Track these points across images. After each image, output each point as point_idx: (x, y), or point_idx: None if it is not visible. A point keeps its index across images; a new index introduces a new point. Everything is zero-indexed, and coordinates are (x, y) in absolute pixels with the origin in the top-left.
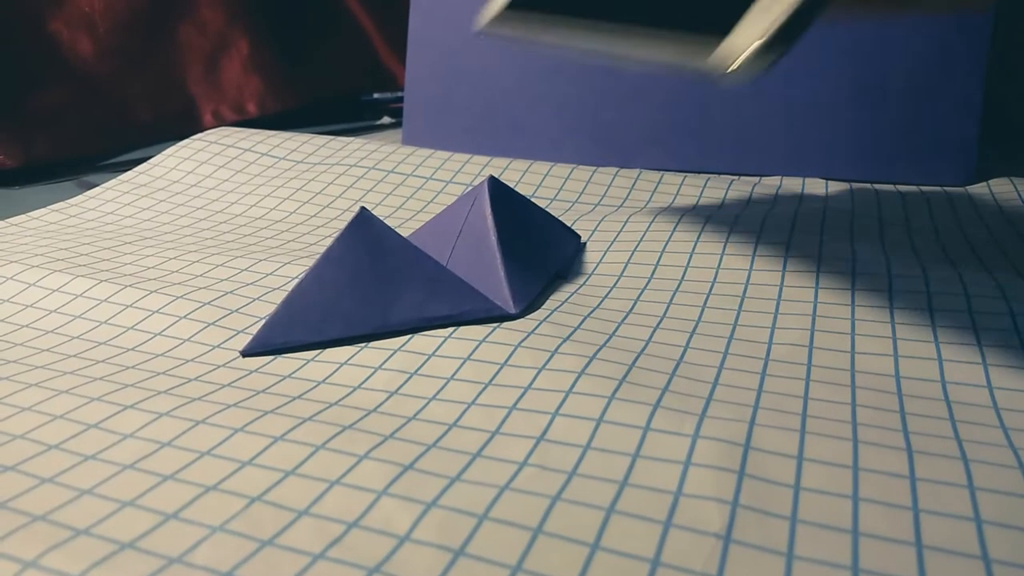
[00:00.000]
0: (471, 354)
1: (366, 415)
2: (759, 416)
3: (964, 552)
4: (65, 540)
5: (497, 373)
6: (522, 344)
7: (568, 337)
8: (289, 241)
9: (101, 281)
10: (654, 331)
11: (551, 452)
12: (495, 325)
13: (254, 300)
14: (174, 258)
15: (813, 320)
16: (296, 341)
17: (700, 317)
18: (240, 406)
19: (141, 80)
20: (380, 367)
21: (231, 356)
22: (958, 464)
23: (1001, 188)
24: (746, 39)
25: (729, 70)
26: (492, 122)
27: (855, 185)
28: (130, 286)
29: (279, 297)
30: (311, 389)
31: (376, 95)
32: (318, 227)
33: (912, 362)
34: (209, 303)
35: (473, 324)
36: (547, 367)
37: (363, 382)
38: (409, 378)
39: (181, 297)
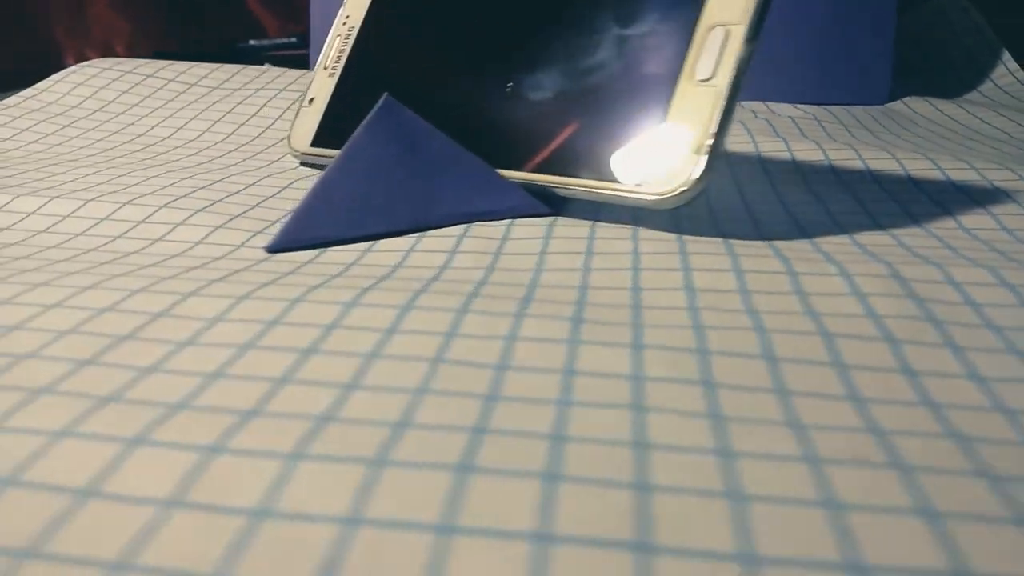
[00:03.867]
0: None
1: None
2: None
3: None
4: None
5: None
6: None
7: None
8: (246, 159)
9: (54, 198)
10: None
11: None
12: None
13: (254, 206)
14: (125, 174)
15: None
16: (328, 236)
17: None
18: (331, 286)
19: None
20: (457, 250)
21: (260, 254)
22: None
23: (917, 105)
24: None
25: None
26: None
27: (771, 104)
28: (93, 200)
29: (276, 205)
30: (398, 268)
31: (252, 42)
32: (261, 149)
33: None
34: (201, 210)
35: (510, 219)
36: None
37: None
38: (497, 256)
39: (163, 207)
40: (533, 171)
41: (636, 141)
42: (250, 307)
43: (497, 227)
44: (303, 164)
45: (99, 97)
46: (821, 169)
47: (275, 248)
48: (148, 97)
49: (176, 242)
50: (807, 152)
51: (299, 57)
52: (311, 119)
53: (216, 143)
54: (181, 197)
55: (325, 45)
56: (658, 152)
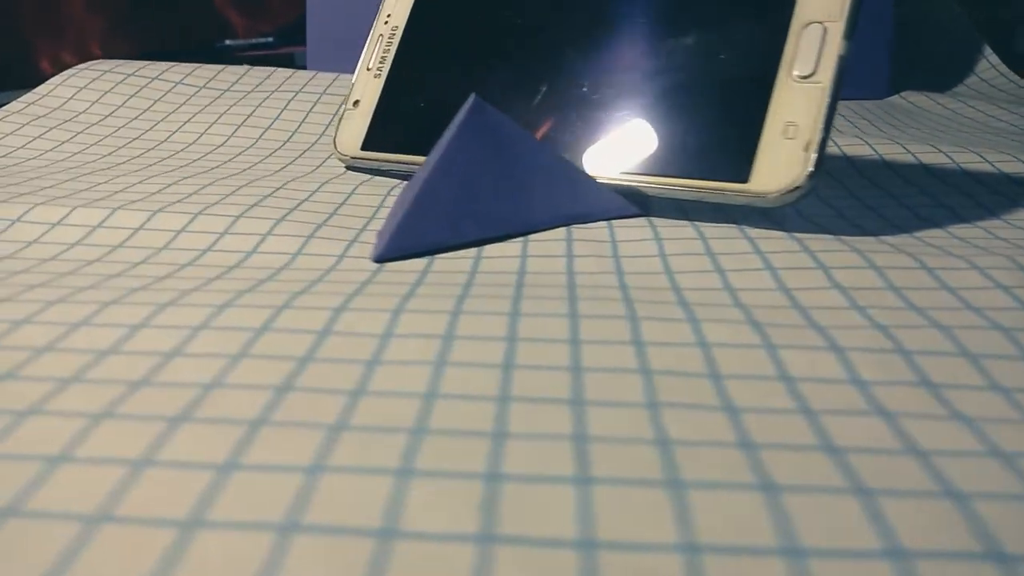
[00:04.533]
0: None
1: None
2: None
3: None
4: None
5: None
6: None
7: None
8: (288, 164)
9: (116, 209)
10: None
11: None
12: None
13: (331, 214)
14: (175, 183)
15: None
16: (433, 243)
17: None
18: (478, 295)
19: None
20: (570, 254)
21: (367, 264)
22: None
23: (914, 98)
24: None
25: (778, 200)
26: None
27: None
28: (160, 211)
29: (352, 212)
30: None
31: (228, 42)
32: (279, 152)
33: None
34: (281, 220)
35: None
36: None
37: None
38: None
39: (240, 217)
40: (624, 173)
41: (737, 139)
42: (413, 321)
43: (596, 228)
44: (350, 168)
45: (106, 102)
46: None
47: (382, 257)
48: (159, 101)
49: (273, 254)
50: (853, 148)
51: (279, 57)
52: (359, 122)
53: (247, 148)
54: (252, 206)
55: (366, 46)
56: (766, 150)
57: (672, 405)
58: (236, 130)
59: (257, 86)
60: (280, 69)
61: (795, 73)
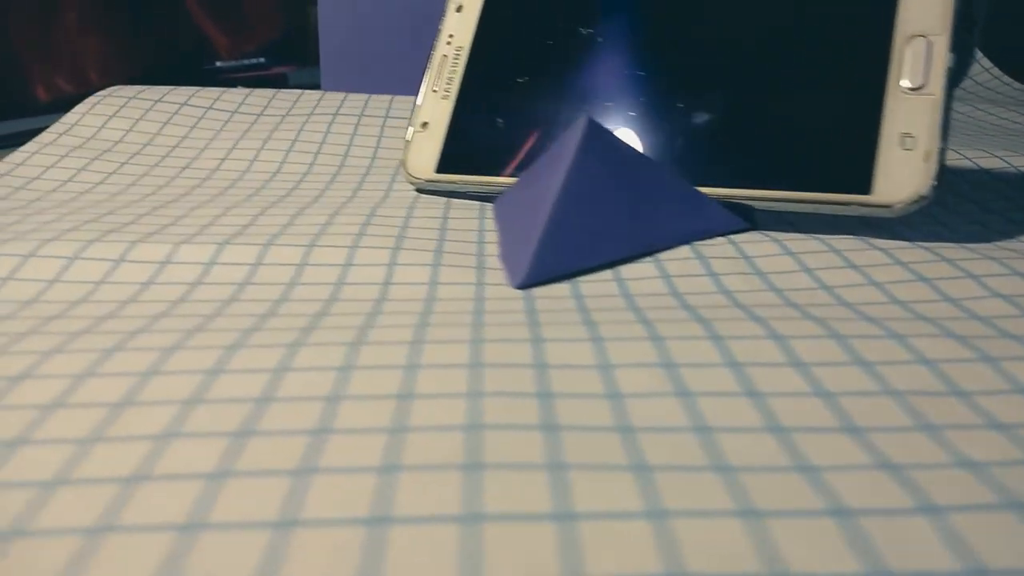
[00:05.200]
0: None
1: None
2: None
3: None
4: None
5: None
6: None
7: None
8: (358, 190)
9: (218, 244)
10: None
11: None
12: None
13: (441, 240)
14: (260, 213)
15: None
16: (571, 266)
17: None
18: (666, 319)
19: None
20: (715, 273)
21: (513, 291)
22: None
23: None
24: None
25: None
26: (411, 59)
27: None
28: (269, 244)
29: (456, 237)
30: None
31: (219, 63)
32: (328, 175)
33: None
34: (395, 248)
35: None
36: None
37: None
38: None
39: (352, 247)
40: (739, 188)
41: (855, 151)
42: (626, 350)
43: (719, 245)
44: (422, 191)
45: (141, 129)
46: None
47: (525, 284)
48: (195, 128)
49: (409, 284)
50: None
51: (272, 77)
52: (430, 144)
53: (305, 174)
54: (360, 235)
55: (429, 67)
56: (885, 161)
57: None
58: (287, 156)
59: (290, 110)
60: (307, 91)
61: (904, 85)
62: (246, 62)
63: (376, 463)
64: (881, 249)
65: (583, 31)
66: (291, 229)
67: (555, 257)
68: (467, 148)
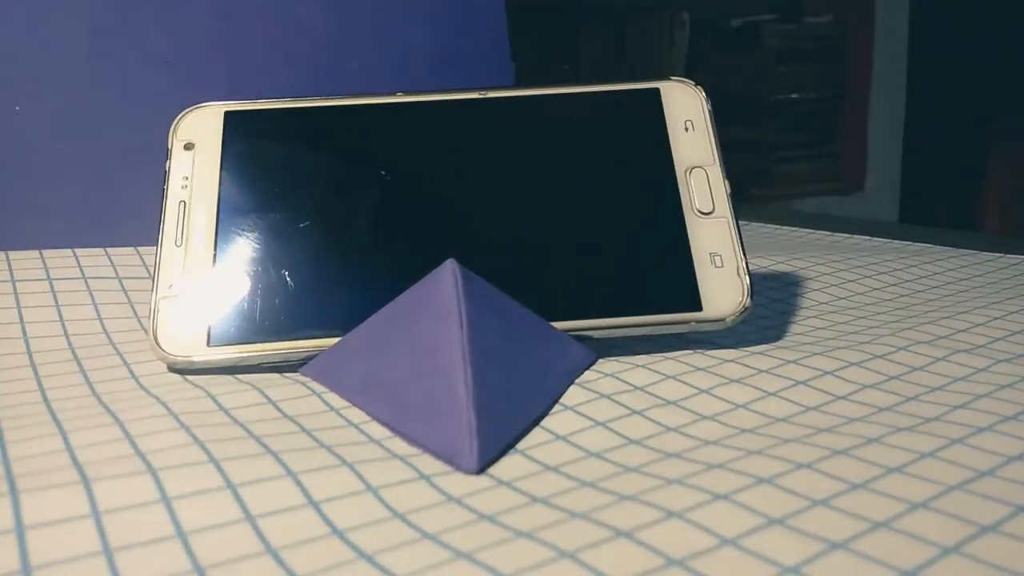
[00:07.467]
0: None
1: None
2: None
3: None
4: None
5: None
6: None
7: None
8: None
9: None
10: None
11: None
12: None
13: (301, 433)
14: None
15: None
16: (510, 435)
17: None
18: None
19: None
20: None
21: (474, 478)
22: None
23: None
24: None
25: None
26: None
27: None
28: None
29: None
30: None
31: None
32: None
33: None
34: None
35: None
36: None
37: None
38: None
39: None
40: (579, 320)
41: (675, 273)
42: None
43: (611, 379)
44: (180, 371)
45: None
46: None
47: (483, 466)
48: None
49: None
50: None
51: None
52: (188, 312)
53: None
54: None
55: (164, 219)
56: (705, 280)
57: None
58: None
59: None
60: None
61: (697, 209)
62: None
63: None
64: (730, 361)
65: (339, 165)
66: None
67: (495, 429)
68: (246, 311)
